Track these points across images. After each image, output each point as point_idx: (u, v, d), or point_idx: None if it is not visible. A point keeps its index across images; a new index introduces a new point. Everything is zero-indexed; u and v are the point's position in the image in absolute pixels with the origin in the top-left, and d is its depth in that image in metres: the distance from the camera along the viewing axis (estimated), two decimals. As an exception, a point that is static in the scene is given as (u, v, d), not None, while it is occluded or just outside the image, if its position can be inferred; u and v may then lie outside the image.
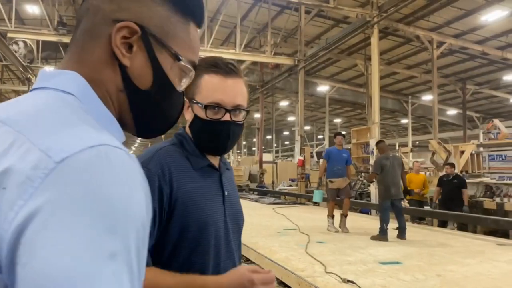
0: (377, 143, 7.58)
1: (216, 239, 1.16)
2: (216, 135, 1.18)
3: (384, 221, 6.63)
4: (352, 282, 4.08)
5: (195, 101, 1.18)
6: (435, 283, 4.10)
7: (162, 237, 1.10)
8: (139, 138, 34.55)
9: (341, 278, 4.19)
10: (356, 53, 18.17)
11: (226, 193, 1.24)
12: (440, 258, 5.25)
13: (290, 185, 16.38)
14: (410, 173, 10.28)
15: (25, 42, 12.59)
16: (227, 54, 14.25)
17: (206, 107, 1.16)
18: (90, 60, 0.64)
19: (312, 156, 20.24)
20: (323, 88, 22.16)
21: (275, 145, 35.59)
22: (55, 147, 0.47)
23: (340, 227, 7.36)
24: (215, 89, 1.17)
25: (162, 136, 0.85)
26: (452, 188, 8.98)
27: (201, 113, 1.17)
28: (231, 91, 1.18)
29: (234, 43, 15.19)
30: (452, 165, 9.56)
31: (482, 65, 19.35)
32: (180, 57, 0.69)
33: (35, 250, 0.42)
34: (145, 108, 0.69)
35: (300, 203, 13.21)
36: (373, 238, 6.56)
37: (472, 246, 6.19)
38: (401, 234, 6.67)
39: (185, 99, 1.14)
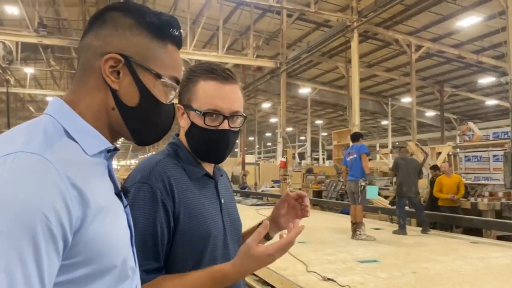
0: (400, 148, 8.60)
1: (214, 249, 1.14)
2: (215, 143, 1.15)
3: (400, 217, 7.33)
4: (332, 280, 4.23)
5: (192, 108, 1.14)
6: (410, 280, 4.29)
7: (169, 252, 1.09)
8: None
9: (321, 276, 4.35)
10: (337, 55, 18.47)
11: (222, 201, 1.22)
12: (416, 256, 5.46)
13: (273, 187, 16.53)
14: (440, 176, 9.06)
15: (3, 43, 12.42)
16: (210, 56, 14.31)
17: (204, 114, 1.12)
18: (83, 88, 0.79)
19: (294, 158, 20.44)
20: (305, 90, 22.42)
21: (257, 146, 35.78)
22: None
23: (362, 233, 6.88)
24: (213, 95, 1.13)
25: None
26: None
27: (199, 121, 1.14)
28: (229, 97, 1.15)
29: (216, 45, 15.27)
30: (435, 167, 9.79)
31: (458, 68, 19.91)
32: (161, 76, 0.82)
33: None
34: (136, 121, 0.82)
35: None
36: (394, 232, 7.24)
37: (446, 245, 6.43)
38: (424, 228, 7.41)
39: (179, 105, 1.17)
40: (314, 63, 19.93)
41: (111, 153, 0.81)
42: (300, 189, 15.94)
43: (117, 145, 0.84)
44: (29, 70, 18.47)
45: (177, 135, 1.24)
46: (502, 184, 9.35)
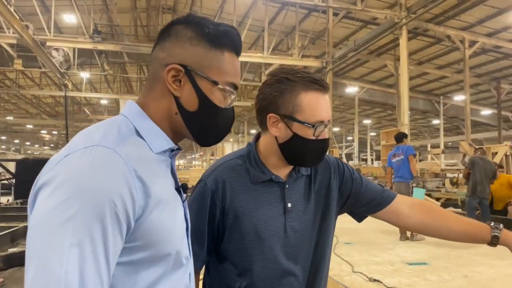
0: (478, 149, 8.38)
1: (266, 249, 1.20)
2: (320, 153, 1.20)
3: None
4: (378, 281, 4.15)
5: (296, 120, 1.16)
6: (461, 283, 4.13)
7: (225, 245, 1.21)
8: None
9: (367, 277, 4.28)
10: (385, 53, 18.01)
11: (289, 205, 1.23)
12: (469, 260, 5.24)
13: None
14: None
15: (62, 50, 13.14)
16: (255, 58, 14.42)
17: (316, 127, 1.15)
18: (152, 94, 0.90)
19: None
20: (352, 89, 22.02)
21: (304, 147, 35.42)
22: (71, 148, 0.76)
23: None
24: (319, 107, 1.16)
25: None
26: None
27: (307, 132, 1.16)
28: (328, 107, 1.19)
29: (262, 46, 15.36)
30: (500, 167, 9.40)
31: (517, 64, 18.80)
32: (218, 82, 0.89)
33: (35, 205, 0.72)
34: (196, 125, 0.90)
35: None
36: None
37: (502, 249, 6.01)
38: None
39: (272, 114, 1.18)
40: (362, 61, 19.54)
41: (174, 152, 0.91)
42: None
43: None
44: (85, 75, 19.48)
45: (258, 137, 1.28)
46: None
